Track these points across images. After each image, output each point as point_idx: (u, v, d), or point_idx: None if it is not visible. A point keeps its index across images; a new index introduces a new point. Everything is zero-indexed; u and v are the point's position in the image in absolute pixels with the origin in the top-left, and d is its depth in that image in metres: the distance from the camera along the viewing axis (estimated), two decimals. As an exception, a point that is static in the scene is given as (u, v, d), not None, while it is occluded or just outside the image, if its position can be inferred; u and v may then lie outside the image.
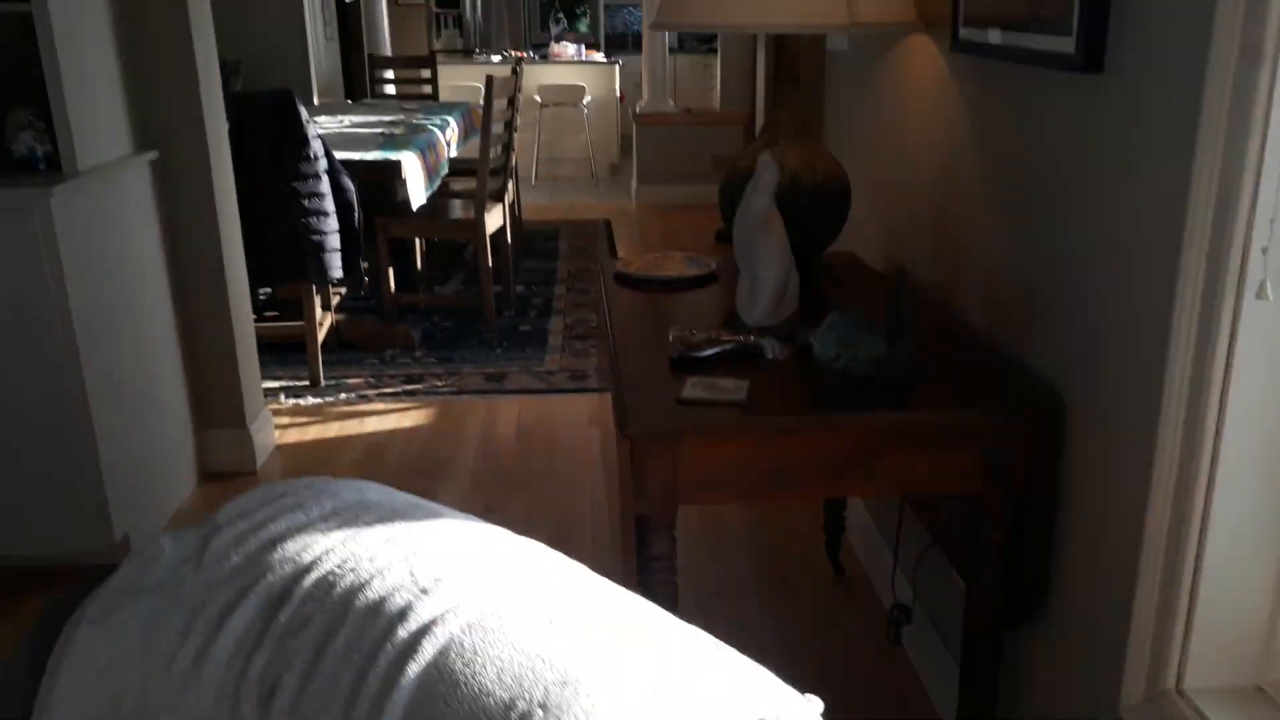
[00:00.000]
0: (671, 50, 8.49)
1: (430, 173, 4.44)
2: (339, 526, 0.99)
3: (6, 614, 2.50)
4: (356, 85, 7.52)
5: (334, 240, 3.66)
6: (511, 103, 4.77)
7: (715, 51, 10.38)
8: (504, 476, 3.24)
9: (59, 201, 2.33)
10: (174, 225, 2.99)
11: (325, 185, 3.57)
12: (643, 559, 1.57)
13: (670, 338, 1.71)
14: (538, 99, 8.62)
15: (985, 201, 1.84)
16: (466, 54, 9.87)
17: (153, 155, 2.86)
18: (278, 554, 0.96)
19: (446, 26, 10.01)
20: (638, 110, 7.78)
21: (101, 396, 2.52)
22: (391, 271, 4.55)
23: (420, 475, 3.25)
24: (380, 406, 3.82)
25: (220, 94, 3.01)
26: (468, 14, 10.15)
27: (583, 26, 10.87)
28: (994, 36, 1.70)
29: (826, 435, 1.53)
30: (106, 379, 2.55)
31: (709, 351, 1.67)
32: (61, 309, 2.38)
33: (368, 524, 1.00)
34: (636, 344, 1.83)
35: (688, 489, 1.51)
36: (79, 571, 2.67)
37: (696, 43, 11.13)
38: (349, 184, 3.69)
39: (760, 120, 7.40)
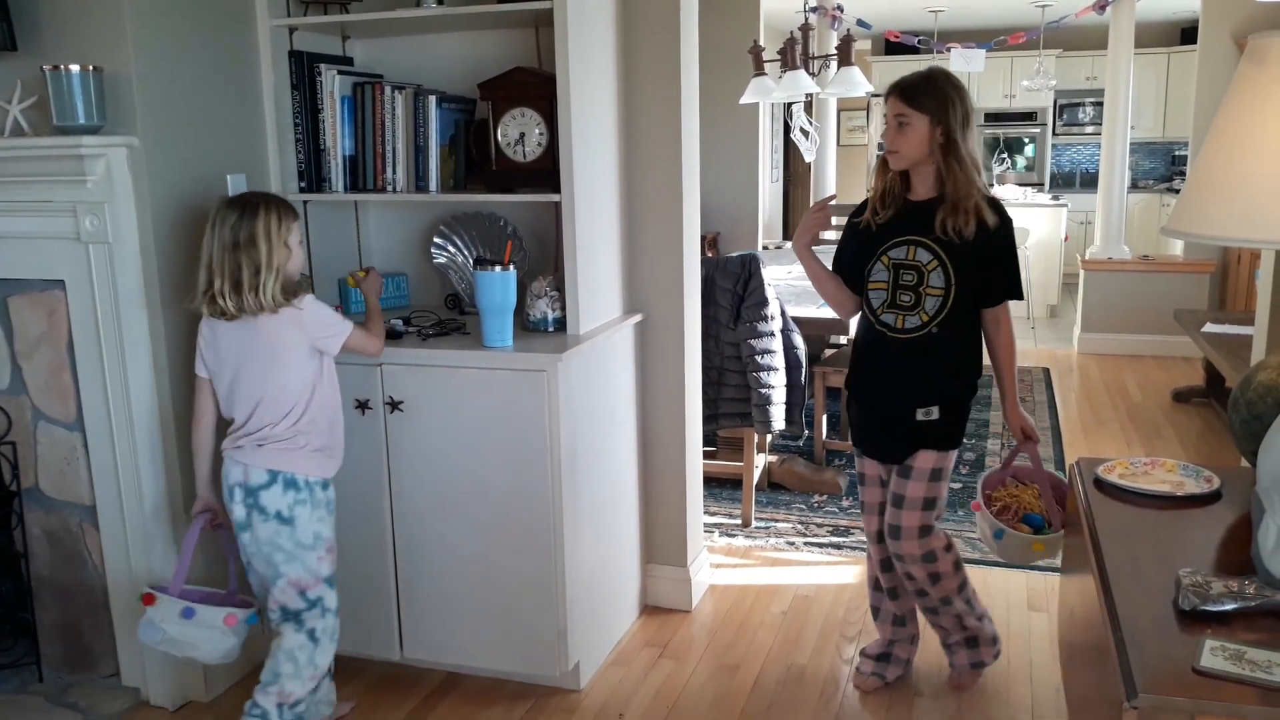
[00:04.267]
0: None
1: (874, 326, 4.47)
2: None
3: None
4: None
5: (781, 394, 3.79)
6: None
7: (1176, 191, 9.60)
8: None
9: (564, 364, 2.64)
10: (646, 374, 3.26)
11: (778, 343, 3.72)
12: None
13: (1179, 580, 1.55)
14: (975, 239, 8.44)
15: None
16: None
17: (638, 318, 3.16)
18: None
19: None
20: (1087, 255, 7.36)
21: (574, 530, 2.77)
22: (824, 419, 4.61)
23: (846, 639, 3.21)
24: (808, 557, 3.84)
25: (698, 261, 3.26)
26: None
27: (1020, 163, 10.56)
28: None
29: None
30: (578, 514, 2.79)
31: (1228, 606, 1.49)
32: (553, 452, 2.66)
33: None
34: (1129, 575, 1.68)
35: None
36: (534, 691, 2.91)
37: (1153, 181, 10.37)
38: (799, 342, 3.83)
39: (1232, 273, 6.69)
